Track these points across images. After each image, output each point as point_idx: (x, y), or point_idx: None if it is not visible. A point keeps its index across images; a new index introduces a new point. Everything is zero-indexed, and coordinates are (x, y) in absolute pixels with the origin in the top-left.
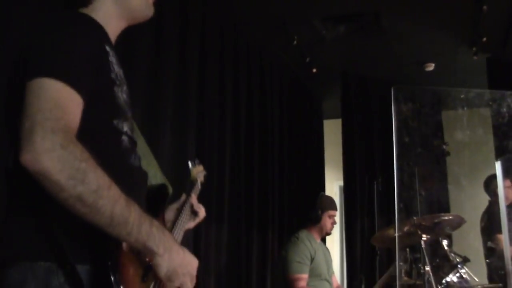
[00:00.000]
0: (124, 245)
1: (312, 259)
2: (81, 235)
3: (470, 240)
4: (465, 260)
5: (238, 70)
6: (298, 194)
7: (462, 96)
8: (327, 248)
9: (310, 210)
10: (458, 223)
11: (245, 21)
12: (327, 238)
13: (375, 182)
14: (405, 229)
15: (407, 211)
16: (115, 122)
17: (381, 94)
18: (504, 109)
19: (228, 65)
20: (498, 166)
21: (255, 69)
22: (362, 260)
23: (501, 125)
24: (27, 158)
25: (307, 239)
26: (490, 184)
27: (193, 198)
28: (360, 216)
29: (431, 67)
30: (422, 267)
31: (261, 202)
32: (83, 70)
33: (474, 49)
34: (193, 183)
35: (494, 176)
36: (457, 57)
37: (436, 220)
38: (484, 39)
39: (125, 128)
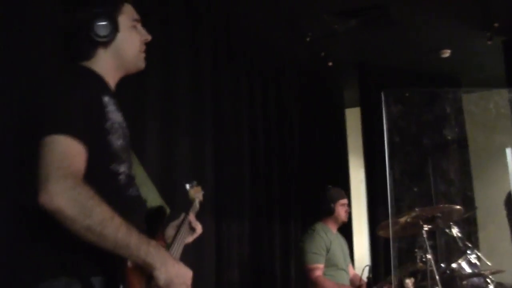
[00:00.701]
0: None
1: (328, 250)
2: (93, 253)
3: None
4: (474, 247)
5: (253, 70)
6: (321, 183)
7: (449, 96)
8: (344, 239)
9: (321, 204)
10: (458, 214)
11: (258, 21)
12: (355, 227)
13: (391, 171)
14: (408, 219)
15: (418, 202)
16: (112, 166)
17: (399, 83)
18: None
19: (242, 66)
20: (509, 152)
21: (271, 68)
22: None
23: None
24: (44, 200)
25: (323, 231)
26: None
27: (191, 216)
28: (381, 204)
29: (447, 53)
30: (424, 256)
31: (283, 194)
32: (83, 124)
33: (488, 34)
34: (191, 202)
35: None
36: (473, 41)
37: (437, 212)
38: (496, 24)
39: (122, 169)
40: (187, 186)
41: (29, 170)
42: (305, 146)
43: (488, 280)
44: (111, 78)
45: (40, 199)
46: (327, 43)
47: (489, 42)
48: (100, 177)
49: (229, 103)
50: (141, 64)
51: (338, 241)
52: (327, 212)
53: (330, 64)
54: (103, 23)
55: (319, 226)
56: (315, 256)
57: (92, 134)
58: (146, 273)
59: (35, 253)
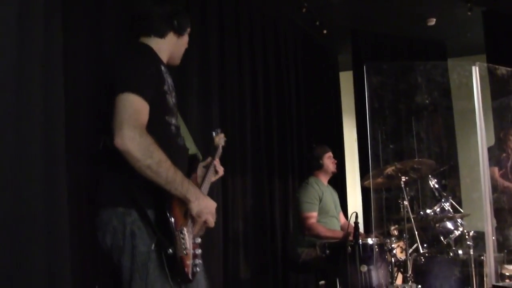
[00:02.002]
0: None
1: (320, 200)
2: (148, 189)
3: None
4: (448, 196)
5: (255, 39)
6: (317, 142)
7: (421, 68)
8: (334, 190)
9: (311, 161)
10: (433, 167)
11: None
12: (348, 181)
13: (379, 131)
14: (389, 172)
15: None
16: (166, 117)
17: (390, 48)
18: None
19: (245, 35)
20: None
21: (271, 36)
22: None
23: None
24: (118, 143)
25: (316, 183)
26: None
27: (216, 160)
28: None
29: (432, 22)
30: (401, 202)
31: (282, 152)
32: (149, 86)
33: (468, 4)
34: (215, 148)
35: None
36: (455, 11)
37: (413, 165)
38: None
39: (173, 121)
40: (213, 133)
41: (107, 119)
42: (302, 107)
43: (458, 223)
44: (163, 57)
45: (115, 142)
46: (322, 12)
47: (469, 13)
48: (159, 125)
49: (233, 69)
50: (176, 64)
51: (329, 192)
52: (317, 167)
53: (325, 31)
54: (186, 21)
55: (312, 179)
56: (309, 205)
57: (155, 93)
58: (184, 205)
59: (101, 185)
